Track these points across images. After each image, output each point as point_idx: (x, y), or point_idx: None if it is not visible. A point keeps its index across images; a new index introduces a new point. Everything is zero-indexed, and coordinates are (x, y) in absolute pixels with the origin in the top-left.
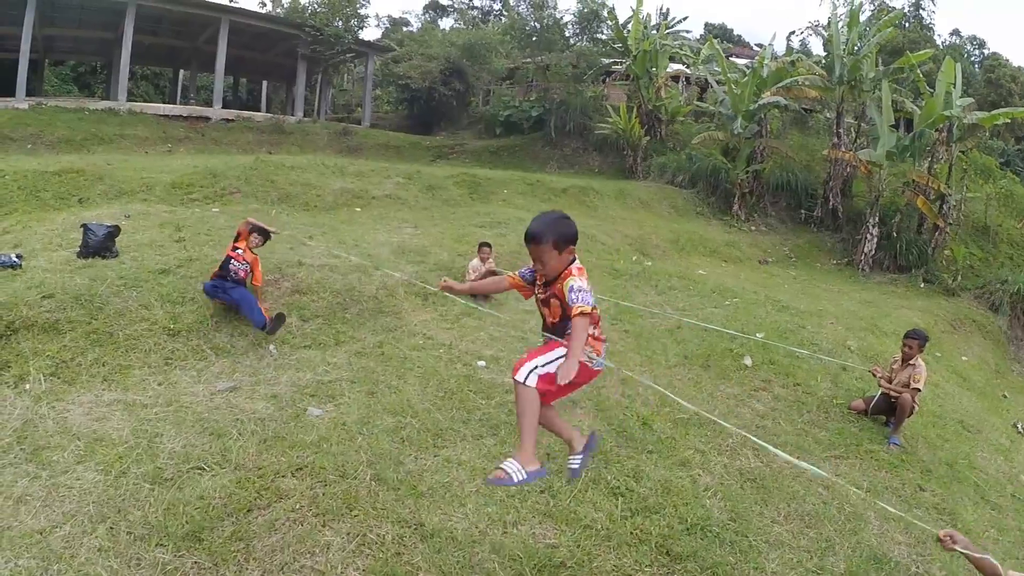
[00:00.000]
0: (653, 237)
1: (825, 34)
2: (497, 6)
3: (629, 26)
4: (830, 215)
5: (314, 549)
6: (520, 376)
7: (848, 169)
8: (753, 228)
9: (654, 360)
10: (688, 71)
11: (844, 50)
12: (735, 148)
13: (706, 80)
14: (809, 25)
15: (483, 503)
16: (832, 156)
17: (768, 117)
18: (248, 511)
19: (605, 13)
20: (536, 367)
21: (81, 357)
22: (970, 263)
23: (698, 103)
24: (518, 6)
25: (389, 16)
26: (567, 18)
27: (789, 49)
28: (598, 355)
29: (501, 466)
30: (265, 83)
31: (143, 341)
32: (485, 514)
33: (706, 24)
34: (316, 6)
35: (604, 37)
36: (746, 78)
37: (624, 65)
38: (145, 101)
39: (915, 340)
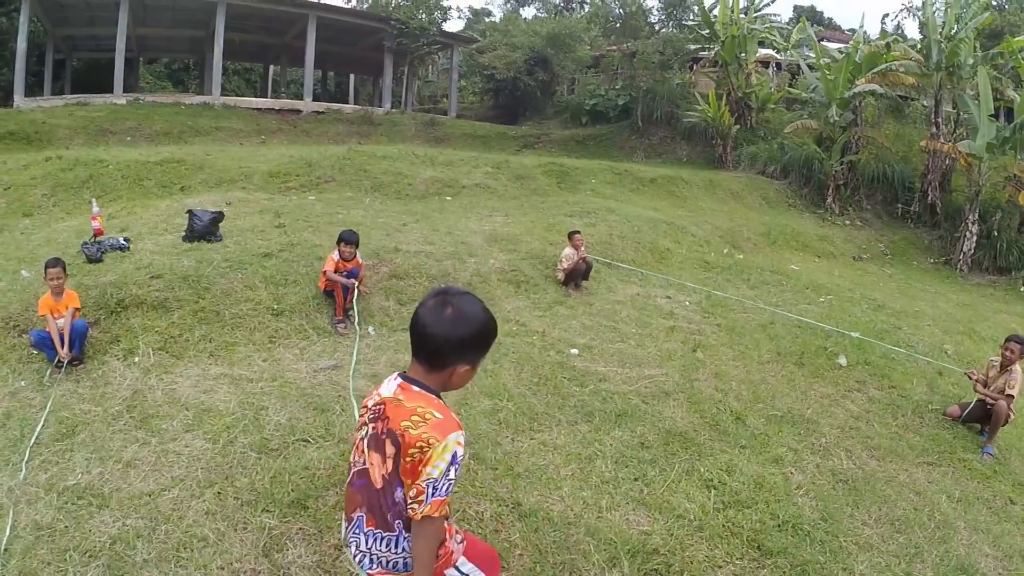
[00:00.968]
0: (744, 229)
1: (921, 16)
2: None
3: (716, 10)
4: (928, 210)
5: None
6: None
7: (947, 161)
8: (847, 222)
9: (747, 355)
10: (778, 56)
11: (941, 34)
12: (829, 138)
13: (797, 66)
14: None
15: (578, 487)
16: (930, 147)
17: (863, 105)
18: None
19: None
20: None
21: (188, 333)
22: None
23: (790, 90)
24: None
25: (470, 7)
26: (652, 4)
27: (884, 32)
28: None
29: None
30: (352, 76)
31: (248, 320)
32: (580, 498)
33: (795, 7)
34: (400, 0)
35: (691, 23)
36: (839, 63)
37: (712, 51)
38: (237, 95)
39: (1018, 344)
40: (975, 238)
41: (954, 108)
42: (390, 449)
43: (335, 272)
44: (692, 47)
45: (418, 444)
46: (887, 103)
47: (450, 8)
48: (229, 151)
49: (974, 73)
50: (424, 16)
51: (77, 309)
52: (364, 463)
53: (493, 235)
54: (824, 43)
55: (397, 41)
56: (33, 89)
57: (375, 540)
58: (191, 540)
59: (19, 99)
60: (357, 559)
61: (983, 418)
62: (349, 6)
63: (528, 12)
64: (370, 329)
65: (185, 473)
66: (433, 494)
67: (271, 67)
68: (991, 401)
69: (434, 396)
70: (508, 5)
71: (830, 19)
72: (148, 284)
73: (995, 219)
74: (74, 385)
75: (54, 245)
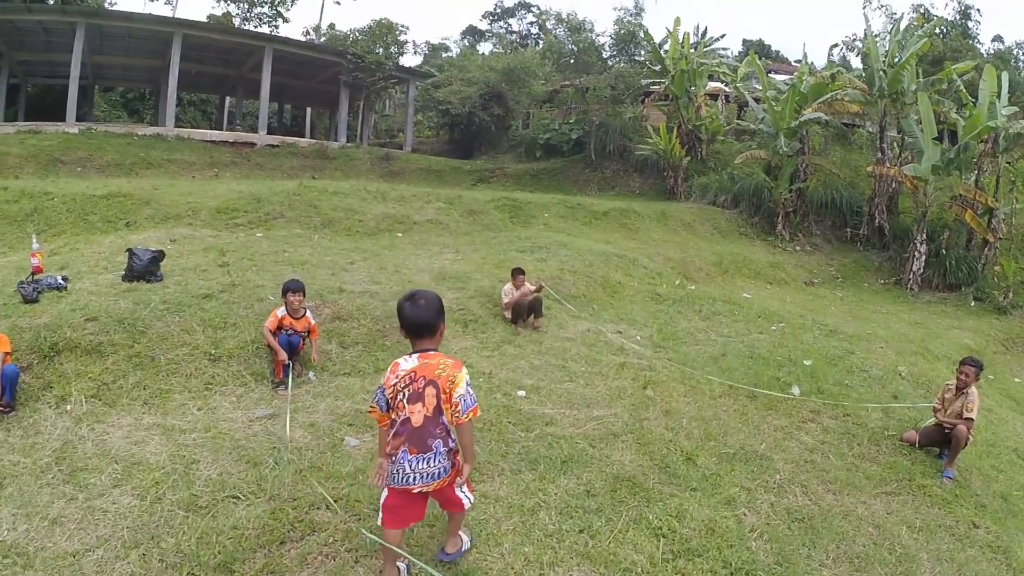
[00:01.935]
0: (696, 260)
1: (862, 46)
2: (535, 30)
3: (667, 46)
4: (876, 233)
5: None
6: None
7: (893, 185)
8: (798, 248)
9: (698, 390)
10: (727, 89)
11: (884, 61)
12: (777, 166)
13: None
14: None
15: (520, 542)
16: (876, 172)
17: (810, 134)
18: (281, 543)
19: (642, 34)
20: None
21: (123, 380)
22: (1021, 279)
23: (738, 121)
24: (555, 30)
25: (428, 42)
26: (604, 40)
27: (830, 63)
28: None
29: None
30: (309, 109)
31: (184, 365)
32: (522, 554)
33: (744, 40)
34: (357, 34)
35: (642, 58)
36: (785, 94)
37: (663, 85)
38: (193, 127)
39: (972, 367)
40: (924, 257)
41: (899, 133)
42: (430, 391)
43: (276, 331)
44: (643, 81)
45: (449, 380)
46: (833, 131)
47: (407, 43)
48: (178, 185)
49: (916, 99)
50: (381, 51)
51: (8, 354)
52: (405, 415)
53: (442, 273)
54: (772, 75)
55: (353, 75)
56: None
57: (417, 462)
58: None
59: None
60: (404, 480)
61: (941, 442)
62: (307, 39)
63: (485, 47)
64: (311, 374)
65: (111, 532)
66: (466, 404)
67: (227, 99)
68: (949, 425)
69: (439, 352)
70: (465, 41)
71: (778, 52)
72: (83, 327)
73: (943, 238)
74: (4, 434)
75: None
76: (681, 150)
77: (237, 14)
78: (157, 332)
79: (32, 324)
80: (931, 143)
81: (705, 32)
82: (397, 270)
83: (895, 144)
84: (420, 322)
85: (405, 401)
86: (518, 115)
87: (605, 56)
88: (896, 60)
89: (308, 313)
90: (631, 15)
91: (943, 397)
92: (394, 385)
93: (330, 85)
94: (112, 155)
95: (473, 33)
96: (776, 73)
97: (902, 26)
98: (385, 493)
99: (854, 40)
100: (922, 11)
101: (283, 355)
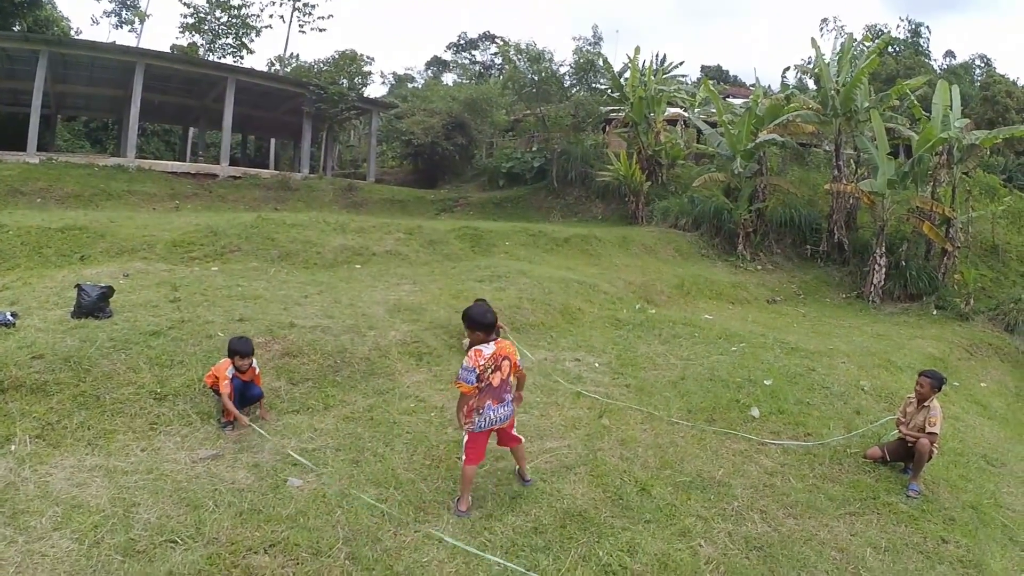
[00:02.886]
0: (658, 283)
1: (814, 68)
2: (498, 60)
3: (627, 74)
4: (836, 249)
5: None
6: None
7: (851, 201)
8: (759, 267)
9: (656, 416)
10: (686, 114)
11: (837, 81)
12: (736, 188)
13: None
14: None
15: None
16: (834, 189)
17: (767, 155)
18: None
19: (600, 63)
20: None
21: (67, 420)
22: (981, 285)
23: (697, 145)
24: (517, 60)
25: (394, 73)
26: (564, 69)
27: (784, 86)
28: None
29: None
30: (273, 140)
31: (129, 405)
32: None
33: (702, 67)
34: (322, 65)
35: (601, 86)
36: (742, 117)
37: (622, 112)
38: (156, 158)
39: (928, 379)
40: (884, 270)
41: (855, 151)
42: (505, 364)
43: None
44: (604, 109)
45: (514, 355)
46: (790, 151)
47: (371, 73)
48: (136, 218)
49: (870, 116)
50: (345, 82)
51: None
52: (489, 381)
53: (397, 305)
54: (731, 99)
55: (316, 106)
56: None
57: (498, 410)
58: None
59: None
60: (488, 423)
61: (905, 456)
62: (271, 70)
63: (449, 78)
64: (259, 413)
65: None
66: (521, 361)
67: (191, 129)
68: (912, 439)
69: (499, 338)
70: (429, 71)
71: (735, 76)
72: (29, 365)
73: (902, 250)
74: None
75: None
76: (642, 175)
77: (202, 44)
78: (103, 371)
79: None
80: (886, 158)
81: (664, 59)
82: (352, 303)
83: (851, 161)
84: (492, 322)
85: (491, 372)
86: (481, 144)
87: (566, 85)
88: (847, 79)
89: (255, 364)
90: (590, 44)
91: (905, 410)
92: (483, 365)
93: (294, 116)
94: (72, 186)
95: (438, 64)
96: (734, 97)
97: (851, 45)
98: (466, 438)
99: (808, 63)
100: (876, 30)
101: (245, 421)
